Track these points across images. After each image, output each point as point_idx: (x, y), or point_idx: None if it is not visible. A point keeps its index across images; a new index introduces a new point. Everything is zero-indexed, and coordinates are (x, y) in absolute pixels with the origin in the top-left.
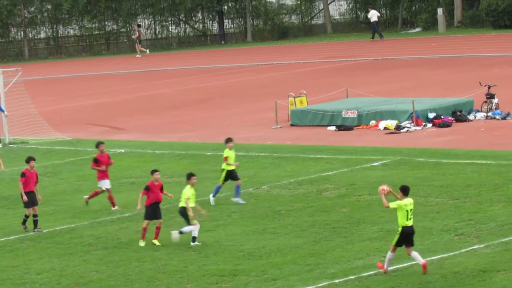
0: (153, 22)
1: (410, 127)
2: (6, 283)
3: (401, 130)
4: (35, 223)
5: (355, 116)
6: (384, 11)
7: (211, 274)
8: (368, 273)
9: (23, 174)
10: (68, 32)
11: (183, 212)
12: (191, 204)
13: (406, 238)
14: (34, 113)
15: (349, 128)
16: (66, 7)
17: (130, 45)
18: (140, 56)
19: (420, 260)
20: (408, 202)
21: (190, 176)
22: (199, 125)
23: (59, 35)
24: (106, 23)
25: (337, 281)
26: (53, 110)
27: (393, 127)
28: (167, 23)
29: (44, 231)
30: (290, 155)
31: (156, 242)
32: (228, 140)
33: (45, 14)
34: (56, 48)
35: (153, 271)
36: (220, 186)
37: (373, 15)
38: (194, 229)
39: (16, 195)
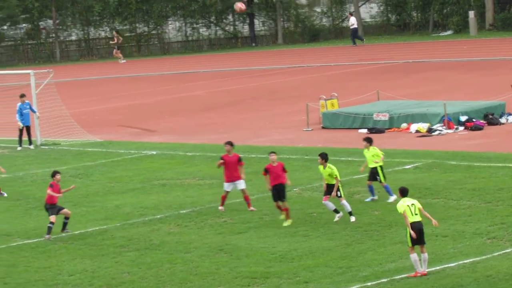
0: (184, 24)
1: (442, 130)
2: (39, 284)
3: (433, 133)
4: (65, 225)
5: (387, 119)
6: (415, 14)
7: (242, 277)
8: (400, 276)
9: (51, 185)
10: (99, 34)
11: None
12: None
13: (417, 235)
14: (66, 114)
15: (380, 131)
16: (97, 9)
17: (161, 47)
18: (122, 61)
19: (424, 266)
20: (404, 200)
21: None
22: (230, 127)
23: (90, 37)
24: (137, 25)
25: (369, 284)
26: (85, 112)
27: (425, 130)
28: (198, 26)
29: (76, 232)
30: None
31: (287, 223)
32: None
33: (76, 16)
34: (88, 50)
35: (185, 273)
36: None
37: (353, 21)
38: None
39: None
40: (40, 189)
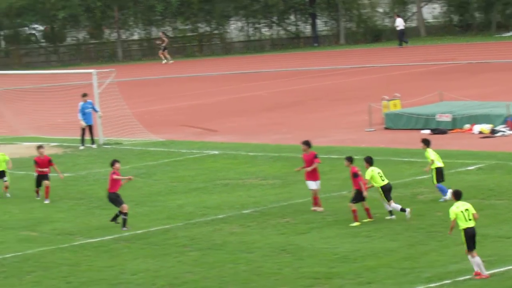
0: (246, 24)
1: (505, 131)
2: (102, 283)
3: (496, 134)
4: (124, 220)
5: (449, 119)
6: (478, 15)
7: (305, 277)
8: (463, 278)
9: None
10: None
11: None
12: None
13: (471, 239)
14: (128, 114)
15: (443, 132)
16: (159, 8)
17: (223, 46)
18: (170, 62)
19: (481, 270)
20: (458, 205)
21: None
22: (292, 127)
23: (152, 37)
24: (199, 24)
25: (432, 285)
26: (147, 112)
27: (488, 131)
28: (260, 26)
29: (139, 232)
30: (384, 158)
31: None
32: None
33: (138, 16)
34: (149, 49)
35: (248, 273)
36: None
37: (400, 23)
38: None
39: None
40: (103, 188)
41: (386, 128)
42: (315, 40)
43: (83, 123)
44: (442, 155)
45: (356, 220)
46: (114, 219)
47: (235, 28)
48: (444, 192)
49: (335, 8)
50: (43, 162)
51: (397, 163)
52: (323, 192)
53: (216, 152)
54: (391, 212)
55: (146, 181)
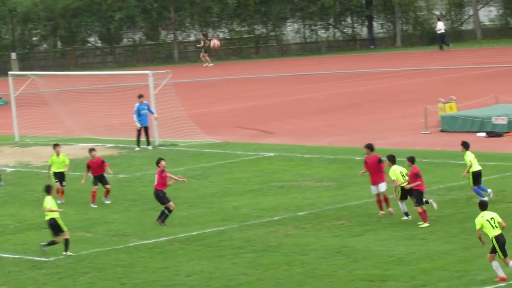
0: (302, 26)
1: None
2: (156, 285)
3: None
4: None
5: (505, 122)
6: None
7: (360, 279)
8: None
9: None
10: (217, 35)
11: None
12: None
13: (502, 247)
14: (184, 115)
15: (499, 135)
16: (216, 10)
17: (280, 48)
18: (210, 65)
19: (499, 272)
20: (482, 215)
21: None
22: (348, 129)
23: (208, 38)
24: (255, 26)
25: None
26: (203, 113)
27: None
28: (316, 28)
29: (194, 233)
30: (439, 160)
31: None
32: None
33: (195, 17)
34: (206, 51)
35: (302, 275)
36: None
37: (440, 26)
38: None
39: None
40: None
41: (442, 131)
42: (371, 43)
43: (138, 125)
44: (498, 158)
45: (425, 221)
46: (161, 217)
47: (291, 30)
48: (481, 194)
49: (391, 10)
50: (96, 165)
51: (452, 165)
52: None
53: (272, 154)
54: (407, 214)
55: (201, 182)
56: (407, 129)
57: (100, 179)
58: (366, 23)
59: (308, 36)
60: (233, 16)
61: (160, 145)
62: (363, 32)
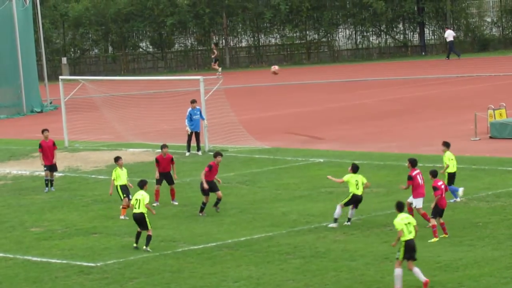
0: (354, 32)
1: None
2: None
3: None
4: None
5: None
6: None
7: (408, 285)
8: None
9: (210, 167)
10: (269, 41)
11: None
12: None
13: (410, 252)
14: (234, 121)
15: None
16: (268, 16)
17: (331, 54)
18: (219, 74)
19: (422, 278)
20: (402, 217)
21: None
22: (398, 135)
23: (260, 44)
24: (307, 32)
25: None
26: (253, 119)
27: None
28: (368, 34)
29: (242, 239)
30: (488, 167)
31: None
32: None
33: (247, 23)
34: (257, 56)
35: (350, 281)
36: None
37: (449, 35)
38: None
39: (214, 202)
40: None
41: (491, 137)
42: (423, 49)
43: (189, 129)
44: None
45: (435, 236)
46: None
47: (343, 36)
48: (455, 195)
49: (443, 17)
50: (164, 161)
51: (502, 172)
52: (427, 200)
53: (321, 160)
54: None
55: (250, 188)
56: (457, 135)
57: (165, 176)
58: (418, 30)
59: (359, 42)
60: (285, 22)
61: (210, 151)
62: (415, 38)
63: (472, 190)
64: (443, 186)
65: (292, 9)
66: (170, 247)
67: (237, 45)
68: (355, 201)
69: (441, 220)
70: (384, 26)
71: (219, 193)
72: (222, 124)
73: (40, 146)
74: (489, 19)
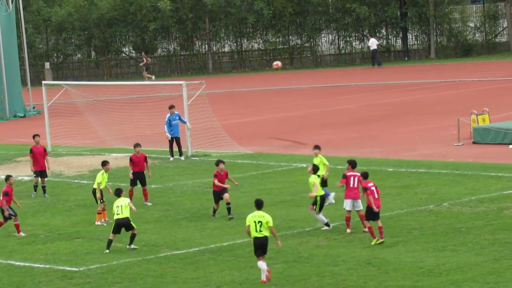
0: (336, 37)
1: None
2: None
3: None
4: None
5: None
6: None
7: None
8: None
9: (215, 176)
10: (252, 46)
11: None
12: None
13: (258, 249)
14: (217, 126)
15: None
16: (251, 21)
17: (314, 60)
18: (152, 79)
19: (263, 275)
20: (254, 215)
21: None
22: (380, 141)
23: (243, 49)
24: (290, 37)
25: None
26: (236, 124)
27: None
28: (351, 39)
29: (225, 244)
30: (471, 172)
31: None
32: None
33: (230, 28)
34: (240, 61)
35: (333, 286)
36: None
37: (373, 43)
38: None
39: (197, 207)
40: (190, 200)
41: (474, 143)
42: (405, 54)
43: (169, 135)
44: None
45: (373, 237)
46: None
47: (326, 41)
48: (328, 193)
49: (426, 22)
50: (139, 160)
51: (484, 177)
52: (410, 206)
53: (305, 165)
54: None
55: (233, 193)
56: (440, 140)
57: (140, 176)
58: (401, 35)
59: (342, 47)
60: (268, 27)
61: (192, 156)
62: (398, 43)
63: (455, 195)
64: (373, 188)
65: (275, 14)
66: (153, 251)
67: (220, 50)
68: (324, 202)
69: (379, 224)
70: (367, 31)
71: (225, 195)
72: (205, 129)
73: (31, 151)
74: (472, 24)
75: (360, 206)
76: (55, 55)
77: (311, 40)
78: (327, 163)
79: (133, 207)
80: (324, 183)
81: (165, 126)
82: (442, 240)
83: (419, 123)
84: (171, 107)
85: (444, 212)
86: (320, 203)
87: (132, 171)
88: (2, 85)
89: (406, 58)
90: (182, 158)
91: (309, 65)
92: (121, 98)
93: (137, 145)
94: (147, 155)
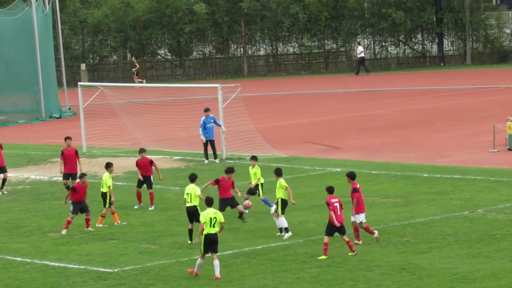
0: (372, 42)
1: None
2: None
3: None
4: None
5: None
6: None
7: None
8: None
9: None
10: (287, 49)
11: None
12: None
13: (210, 245)
14: (252, 129)
15: None
16: (286, 24)
17: (349, 64)
18: (144, 82)
19: (217, 272)
20: (209, 211)
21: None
22: (415, 146)
23: (278, 53)
24: (325, 41)
25: None
26: (271, 127)
27: None
28: (386, 44)
29: (259, 247)
30: (506, 179)
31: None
32: None
33: (265, 31)
34: (275, 65)
35: None
36: None
37: (360, 51)
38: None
39: (231, 210)
40: None
41: (510, 149)
42: (441, 60)
43: (203, 138)
44: None
45: (324, 254)
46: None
47: (361, 46)
48: (269, 203)
49: (462, 28)
50: (143, 164)
51: None
52: (445, 211)
53: (339, 170)
54: (284, 229)
55: (267, 196)
56: (475, 147)
57: (145, 179)
58: (437, 40)
59: (378, 52)
60: (303, 31)
61: (227, 159)
62: (433, 49)
63: (490, 202)
64: (336, 204)
65: (310, 18)
66: (187, 254)
67: (255, 54)
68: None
69: (345, 238)
70: (402, 36)
71: (239, 207)
72: (239, 132)
73: (62, 153)
74: (508, 31)
75: (363, 218)
76: (91, 56)
77: (347, 44)
78: (259, 175)
79: (203, 198)
80: (251, 191)
81: (200, 129)
82: (476, 246)
83: (454, 129)
84: (207, 110)
85: (478, 219)
86: (281, 204)
87: (140, 174)
88: (38, 86)
89: (441, 64)
90: (217, 161)
91: (344, 70)
92: (156, 100)
93: (142, 150)
94: (152, 159)
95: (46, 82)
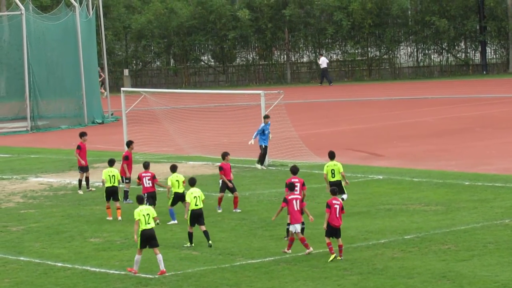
0: (415, 50)
1: None
2: None
3: None
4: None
5: None
6: None
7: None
8: None
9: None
10: (330, 57)
11: None
12: None
13: (147, 240)
14: (295, 136)
15: None
16: (330, 31)
17: (392, 71)
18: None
19: (161, 266)
20: (141, 208)
21: None
22: (457, 154)
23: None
24: (368, 49)
25: None
26: (313, 134)
27: None
28: (429, 52)
29: (300, 254)
30: None
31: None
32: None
33: (309, 38)
34: (318, 72)
35: None
36: None
37: (323, 62)
38: None
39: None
40: (266, 210)
41: None
42: (484, 68)
43: (252, 142)
44: None
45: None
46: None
47: (404, 54)
48: (173, 216)
49: (505, 36)
50: (228, 168)
51: None
52: (486, 219)
53: (381, 177)
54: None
55: (309, 204)
56: None
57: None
58: (480, 49)
59: (421, 60)
60: (347, 38)
61: (270, 165)
62: (476, 57)
63: None
64: (336, 206)
65: (354, 25)
66: (228, 260)
67: (299, 61)
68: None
69: (339, 242)
70: (446, 44)
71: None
72: (282, 139)
73: (79, 147)
74: None
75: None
76: (134, 62)
77: (390, 52)
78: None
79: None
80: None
81: (255, 134)
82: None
83: (496, 137)
84: (266, 117)
85: None
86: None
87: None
88: (81, 91)
89: (484, 72)
90: (262, 167)
91: (387, 77)
92: (198, 106)
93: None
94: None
95: (89, 88)
